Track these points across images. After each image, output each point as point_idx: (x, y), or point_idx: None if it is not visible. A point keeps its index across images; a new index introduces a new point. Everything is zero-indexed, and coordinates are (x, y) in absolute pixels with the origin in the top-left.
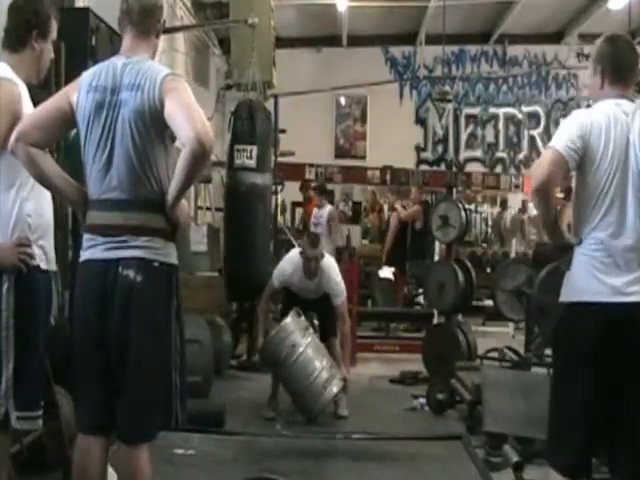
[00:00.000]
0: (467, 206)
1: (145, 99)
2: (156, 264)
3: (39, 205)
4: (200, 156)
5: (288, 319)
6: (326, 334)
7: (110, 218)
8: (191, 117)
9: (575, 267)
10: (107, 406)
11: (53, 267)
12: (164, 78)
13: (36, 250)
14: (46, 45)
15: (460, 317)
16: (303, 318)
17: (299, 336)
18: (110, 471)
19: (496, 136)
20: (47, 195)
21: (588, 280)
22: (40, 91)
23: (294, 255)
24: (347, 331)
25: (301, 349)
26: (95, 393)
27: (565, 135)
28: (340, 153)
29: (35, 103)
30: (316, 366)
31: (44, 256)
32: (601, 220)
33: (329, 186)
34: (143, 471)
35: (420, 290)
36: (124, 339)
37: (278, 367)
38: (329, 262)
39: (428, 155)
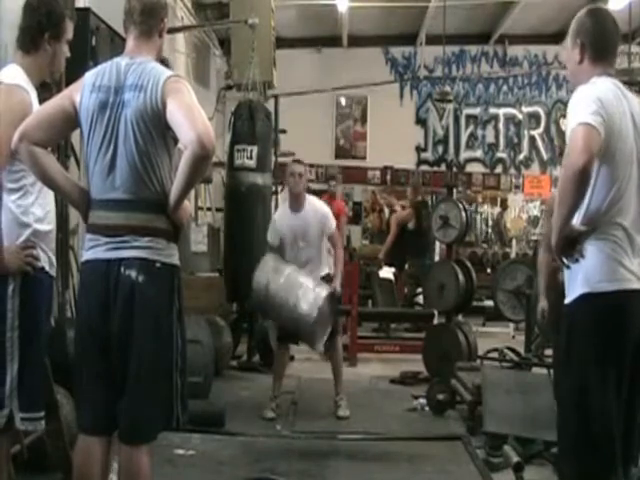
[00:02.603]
0: (467, 206)
1: (147, 100)
2: (158, 265)
3: (44, 211)
4: (202, 158)
5: (263, 259)
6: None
7: (112, 218)
8: (193, 119)
9: (594, 255)
10: (108, 406)
11: (54, 273)
12: (167, 79)
13: (40, 253)
14: (60, 46)
15: (460, 317)
16: (278, 255)
17: (280, 264)
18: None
19: (496, 136)
20: (51, 201)
21: (614, 268)
22: (41, 91)
23: (281, 205)
24: (340, 255)
25: (284, 274)
26: (96, 393)
27: (587, 109)
28: (340, 153)
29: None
30: (302, 282)
31: (48, 259)
32: (625, 204)
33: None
34: (144, 472)
35: (418, 290)
36: (126, 339)
37: (266, 304)
38: (315, 199)
39: (428, 155)
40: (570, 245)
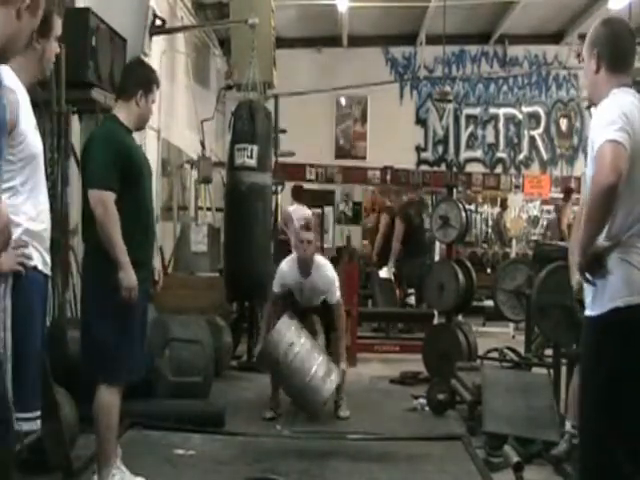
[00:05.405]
0: (467, 206)
1: None
2: None
3: (37, 210)
4: None
5: (282, 320)
6: (330, 328)
7: None
8: None
9: (619, 269)
10: None
11: (48, 271)
12: None
13: (33, 252)
14: (48, 43)
15: (460, 317)
16: (296, 320)
17: (294, 335)
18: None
19: (496, 136)
20: (45, 201)
21: (638, 280)
22: (41, 91)
23: (290, 257)
24: (342, 333)
25: (297, 348)
26: None
27: (613, 125)
28: (340, 153)
29: (36, 104)
30: (314, 361)
31: (41, 258)
32: None
33: (330, 186)
34: None
35: (410, 290)
36: None
37: (277, 367)
38: (323, 260)
39: (428, 155)
40: (596, 261)
